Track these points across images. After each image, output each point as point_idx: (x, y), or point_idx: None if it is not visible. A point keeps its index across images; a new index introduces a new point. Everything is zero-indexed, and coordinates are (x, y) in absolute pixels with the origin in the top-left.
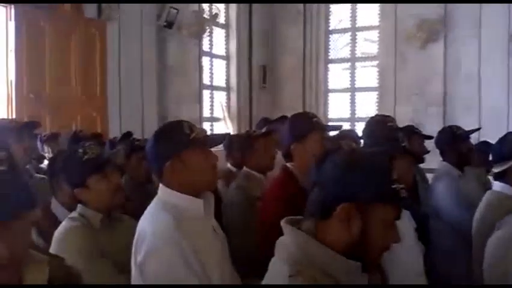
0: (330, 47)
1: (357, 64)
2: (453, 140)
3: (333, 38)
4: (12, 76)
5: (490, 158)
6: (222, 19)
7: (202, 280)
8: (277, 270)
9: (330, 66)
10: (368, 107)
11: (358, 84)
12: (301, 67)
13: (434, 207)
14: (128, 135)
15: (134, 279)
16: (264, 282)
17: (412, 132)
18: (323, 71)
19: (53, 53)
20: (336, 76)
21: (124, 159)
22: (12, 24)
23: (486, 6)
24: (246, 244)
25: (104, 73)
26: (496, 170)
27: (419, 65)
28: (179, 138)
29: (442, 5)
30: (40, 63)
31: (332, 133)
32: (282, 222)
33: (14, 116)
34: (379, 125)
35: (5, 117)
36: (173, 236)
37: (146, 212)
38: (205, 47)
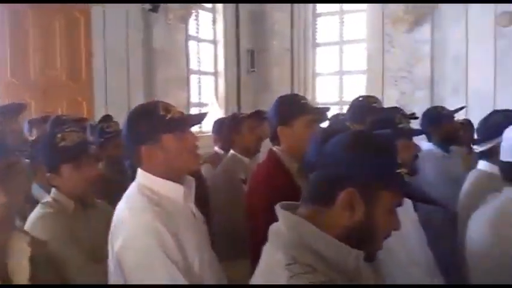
0: (317, 30)
1: (345, 47)
2: (438, 121)
3: (320, 21)
4: None
5: (475, 136)
6: (208, 3)
7: (182, 266)
8: (272, 258)
9: (318, 49)
10: (357, 90)
11: (346, 67)
12: (289, 51)
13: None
14: (106, 119)
15: (112, 267)
16: (258, 270)
17: (397, 113)
18: (310, 54)
19: (36, 38)
20: (325, 60)
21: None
22: None
23: None
24: (231, 226)
25: (89, 58)
26: (480, 148)
27: (406, 48)
28: (155, 121)
29: None
30: (23, 48)
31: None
32: (277, 208)
33: None
34: (362, 105)
35: None
36: (151, 221)
37: (124, 196)
38: (192, 31)
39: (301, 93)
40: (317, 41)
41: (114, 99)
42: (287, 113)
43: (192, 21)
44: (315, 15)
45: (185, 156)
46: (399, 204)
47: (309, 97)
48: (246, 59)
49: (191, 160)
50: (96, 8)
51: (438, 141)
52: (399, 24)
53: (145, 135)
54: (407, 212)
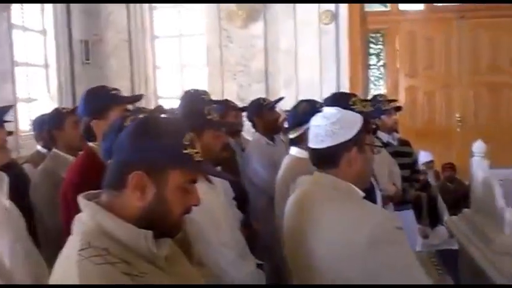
0: (155, 22)
1: (185, 40)
2: (260, 111)
3: (157, 13)
4: None
5: (286, 125)
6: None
7: None
8: (70, 246)
9: (157, 41)
10: (198, 83)
11: (187, 60)
12: (127, 42)
13: (248, 174)
14: None
15: None
16: (57, 260)
17: (227, 105)
18: (149, 46)
19: None
20: (165, 52)
21: None
22: None
23: None
24: (54, 226)
25: None
26: (291, 135)
27: (242, 42)
28: None
29: None
30: None
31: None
32: (79, 198)
33: None
34: (192, 98)
35: None
36: None
37: None
38: (17, 20)
39: (142, 87)
40: (155, 33)
41: None
42: (99, 105)
43: (16, 9)
44: (152, 7)
45: None
46: (194, 181)
47: (150, 90)
48: (80, 50)
49: None
50: None
51: (262, 131)
52: (235, 20)
53: None
54: (218, 195)
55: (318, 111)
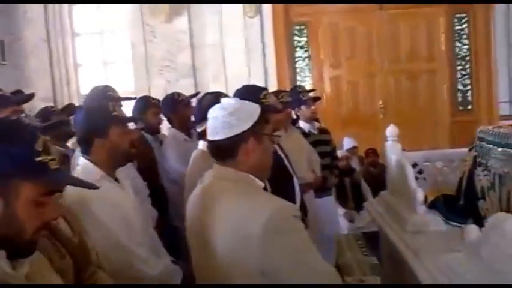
0: (74, 19)
1: (107, 37)
2: (175, 107)
3: (76, 9)
4: None
5: (193, 119)
6: None
7: None
8: None
9: (77, 39)
10: (124, 80)
11: (110, 57)
12: (45, 41)
13: (166, 170)
14: None
15: None
16: None
17: (148, 102)
18: (70, 44)
19: None
20: (86, 50)
21: None
22: None
23: None
24: None
25: None
26: (198, 129)
27: (167, 37)
28: None
29: None
30: None
31: None
32: None
33: None
34: (97, 95)
35: None
36: None
37: None
38: None
39: (63, 86)
40: (76, 30)
41: None
42: None
43: None
44: (71, 4)
45: None
46: (51, 193)
47: (73, 89)
48: None
49: None
50: None
51: (178, 126)
52: (158, 15)
53: None
54: (127, 194)
55: None
